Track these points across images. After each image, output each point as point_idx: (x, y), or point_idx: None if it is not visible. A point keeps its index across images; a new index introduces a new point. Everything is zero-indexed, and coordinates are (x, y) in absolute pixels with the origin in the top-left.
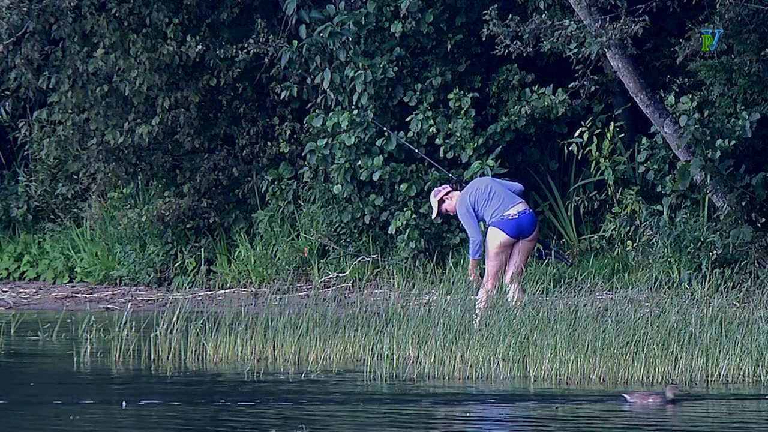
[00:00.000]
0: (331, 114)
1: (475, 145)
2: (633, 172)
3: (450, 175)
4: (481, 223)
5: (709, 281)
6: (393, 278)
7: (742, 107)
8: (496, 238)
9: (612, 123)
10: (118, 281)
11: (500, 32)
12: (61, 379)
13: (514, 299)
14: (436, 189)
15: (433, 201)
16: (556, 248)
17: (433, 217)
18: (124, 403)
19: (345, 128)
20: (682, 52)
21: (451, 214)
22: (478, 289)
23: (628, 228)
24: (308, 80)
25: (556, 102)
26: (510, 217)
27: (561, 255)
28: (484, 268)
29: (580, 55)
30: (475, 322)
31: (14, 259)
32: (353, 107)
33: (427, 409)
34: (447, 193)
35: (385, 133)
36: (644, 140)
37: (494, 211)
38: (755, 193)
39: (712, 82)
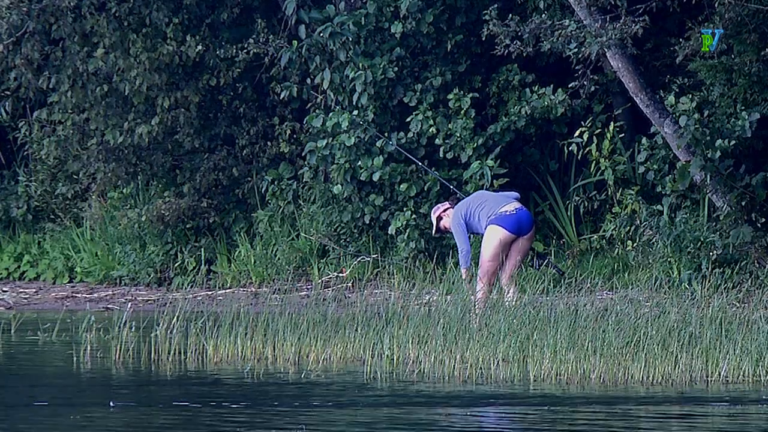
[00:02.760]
0: (331, 114)
1: (475, 145)
2: (633, 172)
3: (448, 184)
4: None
5: (709, 281)
6: (393, 278)
7: (742, 107)
8: (496, 235)
9: (612, 123)
10: (118, 281)
11: (500, 32)
12: (60, 379)
13: (515, 299)
14: (435, 206)
15: (433, 218)
16: (551, 260)
17: (433, 234)
18: (111, 402)
19: (345, 128)
20: (682, 52)
21: (449, 230)
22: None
23: (628, 228)
24: (308, 80)
25: (556, 102)
26: (508, 213)
27: (556, 267)
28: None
29: (580, 55)
30: (475, 323)
31: (14, 259)
32: (353, 107)
33: (427, 410)
34: (444, 210)
35: (385, 134)
36: (644, 140)
37: (491, 211)
38: (755, 193)
39: (712, 82)
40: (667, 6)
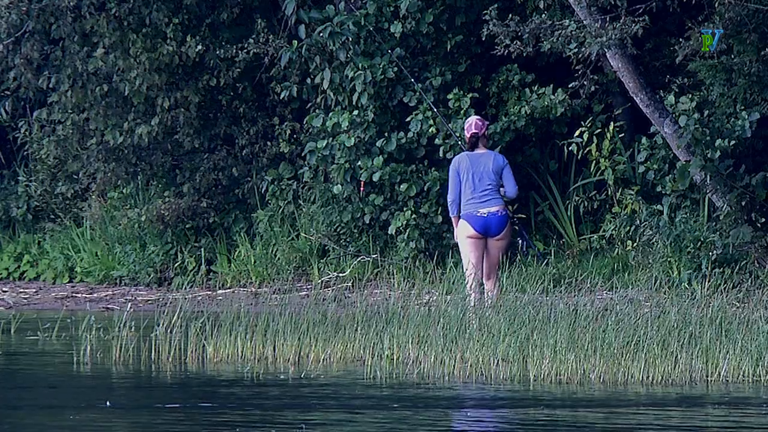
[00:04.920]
0: (331, 114)
1: None
2: (633, 172)
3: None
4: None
5: (709, 281)
6: (393, 278)
7: (742, 107)
8: (464, 231)
9: (612, 123)
10: (118, 281)
11: (500, 32)
12: (60, 379)
13: (491, 296)
14: (477, 122)
15: (467, 125)
16: (526, 237)
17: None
18: (108, 402)
19: (345, 128)
20: (682, 52)
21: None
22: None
23: (628, 228)
24: (308, 80)
25: (556, 102)
26: (479, 215)
27: (530, 242)
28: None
29: (580, 55)
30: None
31: (14, 259)
32: (353, 107)
33: (427, 410)
34: (471, 135)
35: (386, 134)
36: (644, 140)
37: (470, 200)
38: (755, 193)
39: (712, 82)
40: (667, 6)
